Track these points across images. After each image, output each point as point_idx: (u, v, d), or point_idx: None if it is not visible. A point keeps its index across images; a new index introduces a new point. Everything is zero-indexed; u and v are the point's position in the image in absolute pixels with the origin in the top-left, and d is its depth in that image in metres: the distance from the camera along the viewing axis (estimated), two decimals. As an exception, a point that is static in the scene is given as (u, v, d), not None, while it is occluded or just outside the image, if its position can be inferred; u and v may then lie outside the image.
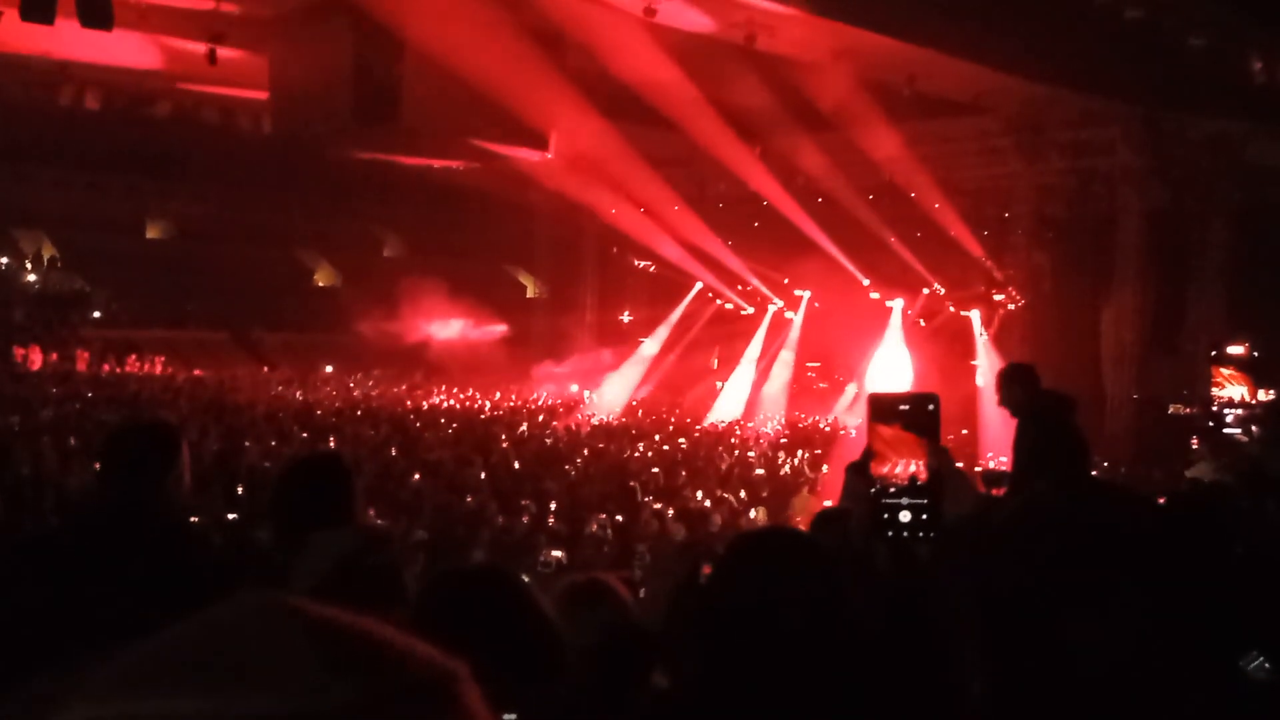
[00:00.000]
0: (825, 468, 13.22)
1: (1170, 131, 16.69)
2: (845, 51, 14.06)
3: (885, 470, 1.66)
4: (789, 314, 24.22)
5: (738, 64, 14.71)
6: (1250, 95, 15.60)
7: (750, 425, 19.52)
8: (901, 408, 1.68)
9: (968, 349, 20.65)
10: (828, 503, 9.39)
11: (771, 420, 20.64)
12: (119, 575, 2.52)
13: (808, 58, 14.61)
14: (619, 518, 9.46)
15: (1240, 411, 5.91)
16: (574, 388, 24.74)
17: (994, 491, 4.24)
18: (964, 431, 17.27)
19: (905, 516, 1.65)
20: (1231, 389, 6.15)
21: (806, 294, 23.82)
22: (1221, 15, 14.53)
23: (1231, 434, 5.59)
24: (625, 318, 27.80)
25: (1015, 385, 5.13)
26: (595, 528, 8.85)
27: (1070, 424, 4.82)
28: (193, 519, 2.90)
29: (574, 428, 16.94)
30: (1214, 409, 6.04)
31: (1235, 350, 6.10)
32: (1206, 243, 17.46)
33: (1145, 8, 14.34)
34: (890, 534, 1.67)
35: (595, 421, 18.52)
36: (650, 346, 25.38)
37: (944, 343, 21.00)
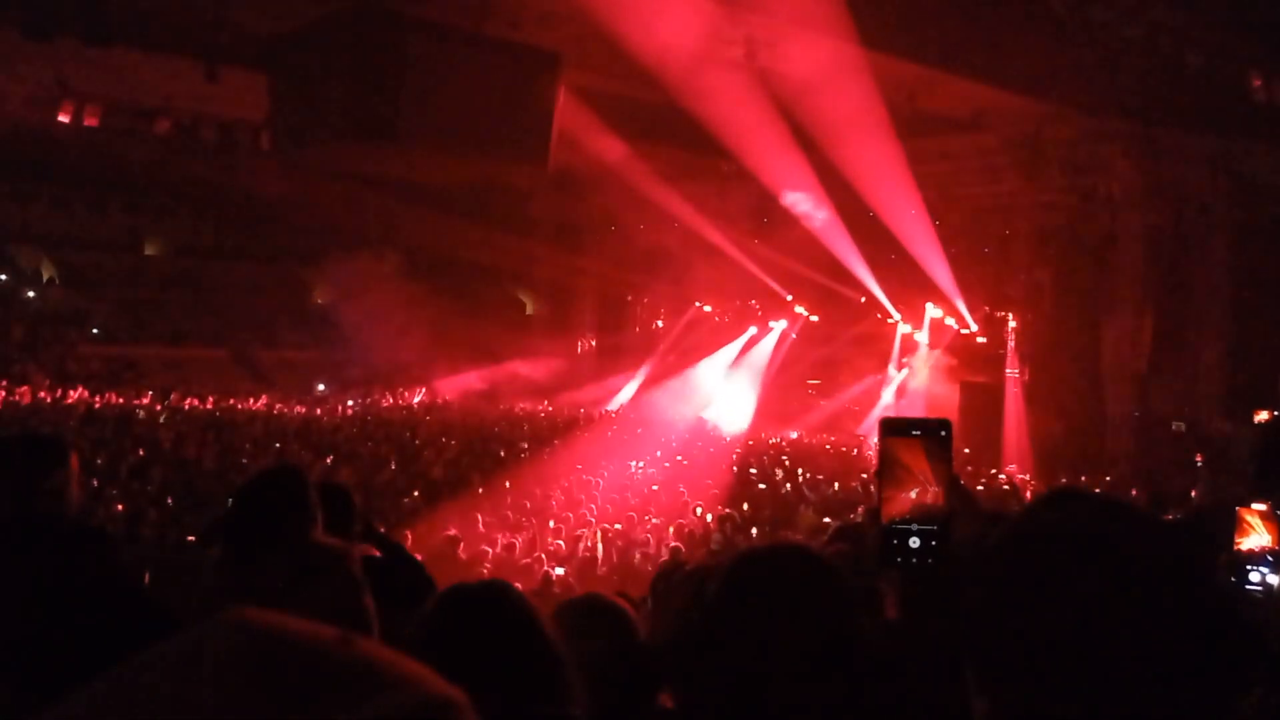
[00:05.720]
0: (836, 485, 13.14)
1: (1169, 148, 16.70)
2: (846, 69, 14.06)
3: (896, 496, 1.63)
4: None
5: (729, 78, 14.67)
6: (1249, 112, 15.63)
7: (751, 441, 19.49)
8: (914, 432, 1.65)
9: (971, 364, 20.64)
10: (827, 520, 9.35)
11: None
12: None
13: (807, 74, 14.60)
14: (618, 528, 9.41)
15: (1265, 568, 5.70)
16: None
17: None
18: (965, 451, 17.22)
19: (915, 543, 1.62)
20: (1255, 538, 5.94)
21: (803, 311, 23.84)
22: (1219, 33, 14.56)
23: (1253, 591, 5.43)
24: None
25: None
26: (595, 544, 8.79)
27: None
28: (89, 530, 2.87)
29: None
30: (1238, 553, 5.88)
31: (1259, 507, 5.96)
32: (1206, 260, 17.46)
33: (1143, 25, 14.37)
34: (899, 560, 1.64)
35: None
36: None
37: (948, 358, 21.01)
